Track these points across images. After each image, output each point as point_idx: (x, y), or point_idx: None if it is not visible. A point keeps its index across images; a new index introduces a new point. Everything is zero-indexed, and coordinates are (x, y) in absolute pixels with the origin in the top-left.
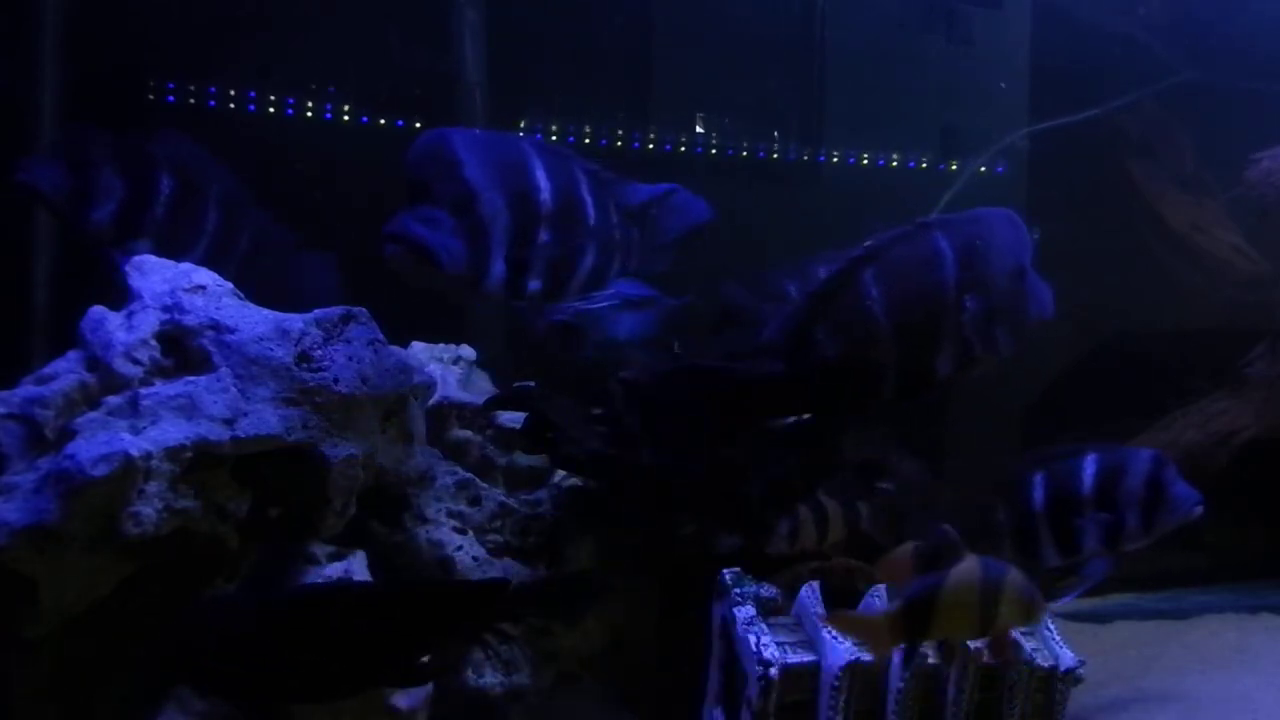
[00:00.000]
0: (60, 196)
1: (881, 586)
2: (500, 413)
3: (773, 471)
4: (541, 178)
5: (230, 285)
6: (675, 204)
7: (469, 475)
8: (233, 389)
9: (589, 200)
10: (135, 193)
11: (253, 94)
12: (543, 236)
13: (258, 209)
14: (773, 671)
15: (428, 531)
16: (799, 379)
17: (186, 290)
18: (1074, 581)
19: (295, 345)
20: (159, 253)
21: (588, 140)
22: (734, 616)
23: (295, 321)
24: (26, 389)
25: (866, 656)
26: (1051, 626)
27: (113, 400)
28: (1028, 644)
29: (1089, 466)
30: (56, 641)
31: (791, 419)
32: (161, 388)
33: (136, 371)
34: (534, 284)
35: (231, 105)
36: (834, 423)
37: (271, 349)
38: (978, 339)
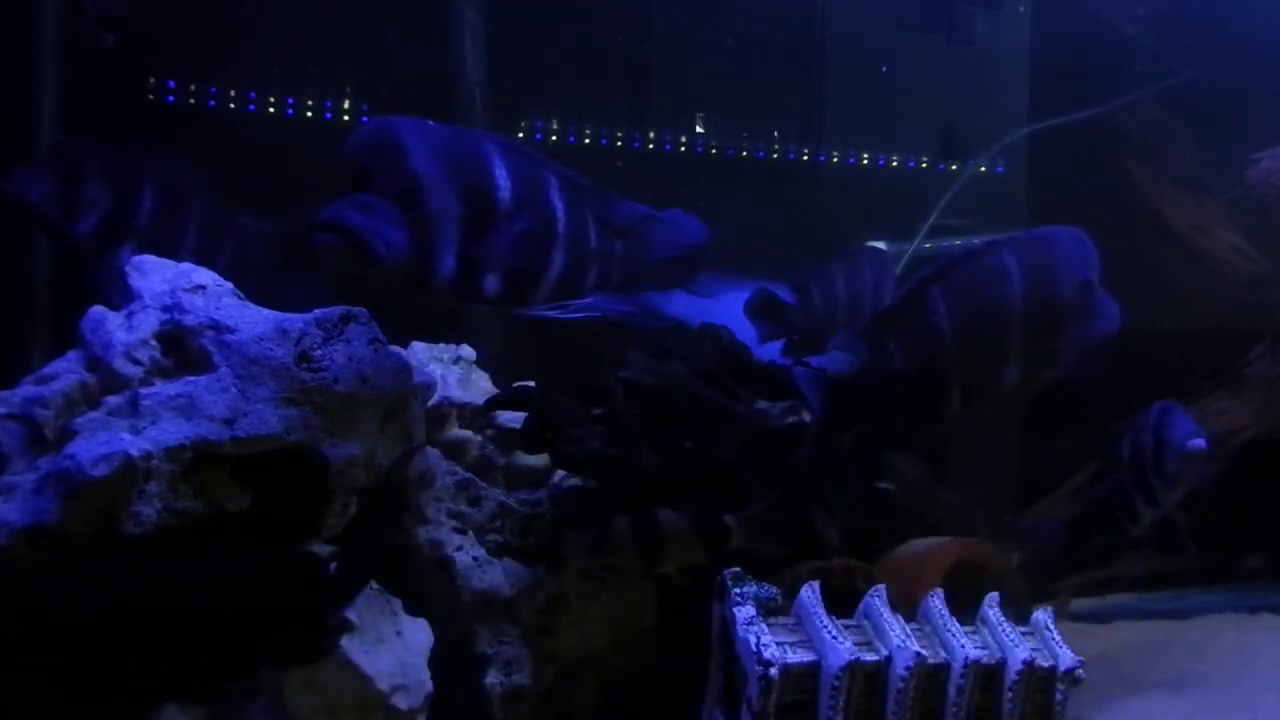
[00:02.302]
0: (45, 207)
1: (882, 586)
2: (500, 413)
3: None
4: (501, 176)
5: (230, 285)
6: (667, 223)
7: (469, 475)
8: (233, 389)
9: (559, 205)
10: (119, 205)
11: (252, 94)
12: (501, 236)
13: (240, 227)
14: (773, 671)
15: (427, 531)
16: (877, 392)
17: (186, 290)
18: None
19: (295, 345)
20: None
21: (588, 140)
22: (734, 616)
23: (295, 321)
24: (26, 389)
25: (867, 656)
26: (1051, 626)
27: (113, 400)
28: (1028, 644)
29: (1126, 443)
30: (58, 640)
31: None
32: (161, 388)
33: (136, 371)
34: (491, 285)
35: (231, 105)
36: (906, 435)
37: (271, 349)
38: (1042, 352)
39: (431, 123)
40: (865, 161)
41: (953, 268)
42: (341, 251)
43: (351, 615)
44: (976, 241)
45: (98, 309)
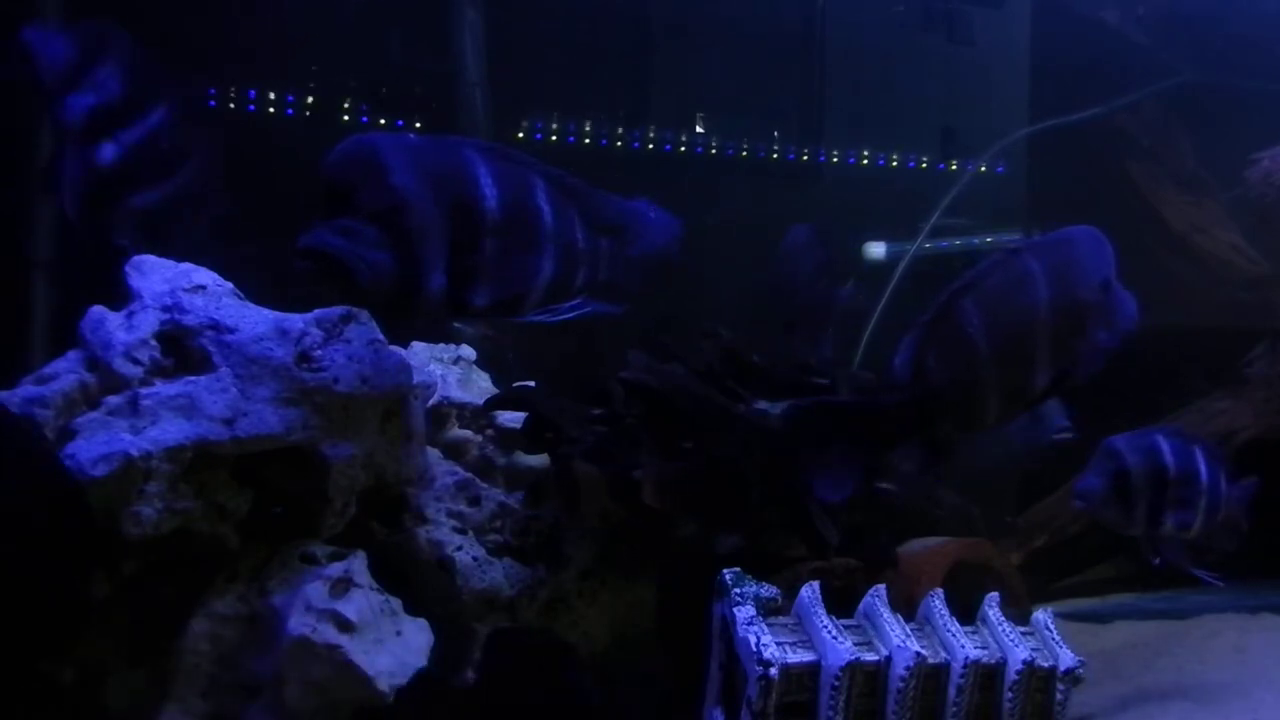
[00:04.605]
0: (51, 66)
1: (882, 586)
2: (500, 413)
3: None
4: (487, 185)
5: (230, 285)
6: (646, 215)
7: (469, 475)
8: (233, 389)
9: (546, 209)
10: (123, 104)
11: (252, 93)
12: (489, 247)
13: (223, 194)
14: (772, 671)
15: (427, 531)
16: (916, 408)
17: (186, 290)
18: None
19: (295, 345)
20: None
21: (588, 140)
22: (734, 616)
23: (295, 321)
24: (26, 389)
25: (867, 656)
26: (1051, 626)
27: (113, 400)
28: (1028, 644)
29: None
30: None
31: None
32: (161, 388)
33: (136, 371)
34: (482, 298)
35: (231, 105)
36: (943, 447)
37: (271, 349)
38: (1069, 354)
39: (411, 135)
40: (865, 161)
41: (981, 278)
42: (323, 278)
43: (351, 615)
44: (976, 240)
45: (98, 309)
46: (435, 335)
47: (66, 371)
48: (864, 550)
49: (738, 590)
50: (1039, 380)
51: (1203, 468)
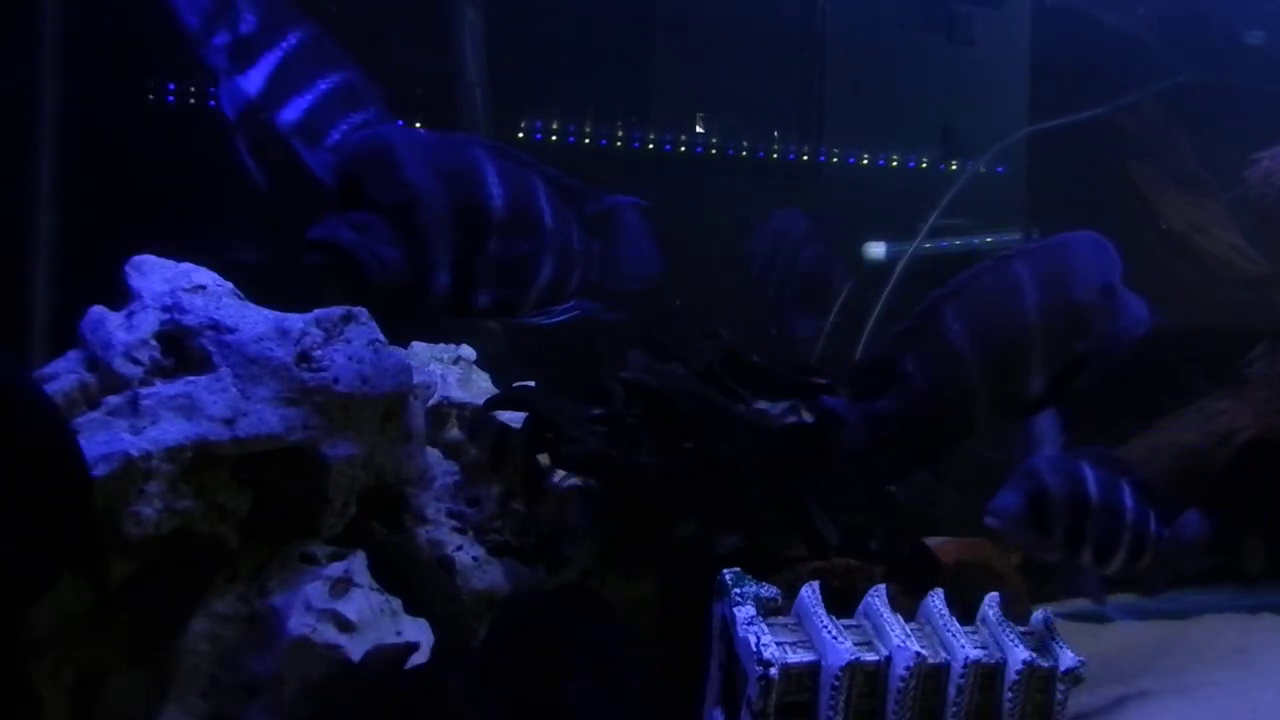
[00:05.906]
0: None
1: (882, 586)
2: (500, 413)
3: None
4: (494, 184)
5: (230, 285)
6: (636, 216)
7: (469, 475)
8: (233, 389)
9: (546, 209)
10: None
11: None
12: (493, 246)
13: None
14: (772, 671)
15: (427, 531)
16: (900, 415)
17: (186, 290)
18: None
19: (295, 345)
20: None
21: (588, 140)
22: (734, 616)
23: (295, 321)
24: None
25: (867, 656)
26: (1051, 626)
27: (113, 400)
28: (1028, 644)
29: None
30: (60, 640)
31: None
32: (161, 388)
33: (136, 371)
34: (484, 298)
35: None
36: (934, 454)
37: (271, 349)
38: (1068, 358)
39: (421, 131)
40: (865, 161)
41: (965, 285)
42: (333, 272)
43: (351, 615)
44: (976, 241)
45: (98, 309)
46: (459, 331)
47: (66, 371)
48: (899, 568)
49: (738, 590)
50: (1031, 386)
51: (1129, 502)
